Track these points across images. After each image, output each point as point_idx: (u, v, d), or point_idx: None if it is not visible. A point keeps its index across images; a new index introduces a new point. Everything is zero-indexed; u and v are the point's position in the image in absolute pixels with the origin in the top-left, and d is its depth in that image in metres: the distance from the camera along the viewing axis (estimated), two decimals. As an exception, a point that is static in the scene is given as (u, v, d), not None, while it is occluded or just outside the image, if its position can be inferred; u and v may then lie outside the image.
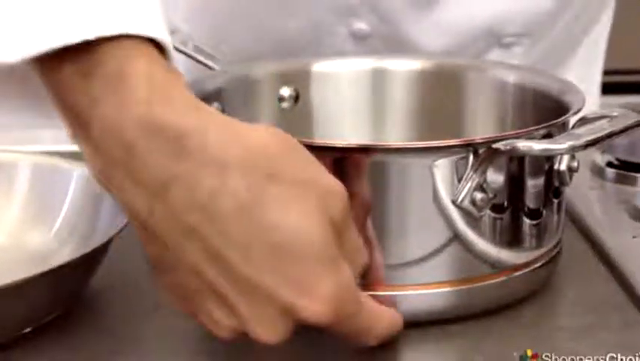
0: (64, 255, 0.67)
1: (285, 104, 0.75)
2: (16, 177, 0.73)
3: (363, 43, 0.89)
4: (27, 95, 0.57)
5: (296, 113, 0.75)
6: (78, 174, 0.71)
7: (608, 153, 0.84)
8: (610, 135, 0.61)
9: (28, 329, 0.61)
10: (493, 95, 0.75)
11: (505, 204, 0.61)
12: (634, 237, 0.73)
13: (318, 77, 0.76)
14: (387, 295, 0.60)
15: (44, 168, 0.73)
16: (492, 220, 0.61)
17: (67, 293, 0.63)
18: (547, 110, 0.67)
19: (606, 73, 1.04)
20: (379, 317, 0.56)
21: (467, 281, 0.61)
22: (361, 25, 0.89)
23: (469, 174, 0.59)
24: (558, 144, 0.59)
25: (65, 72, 0.52)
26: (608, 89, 1.07)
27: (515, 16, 0.90)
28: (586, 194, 0.81)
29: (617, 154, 0.84)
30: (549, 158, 0.63)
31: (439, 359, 0.62)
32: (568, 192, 0.67)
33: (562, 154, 0.63)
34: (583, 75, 0.99)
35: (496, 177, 0.60)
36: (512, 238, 0.63)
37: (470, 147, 0.59)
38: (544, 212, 0.64)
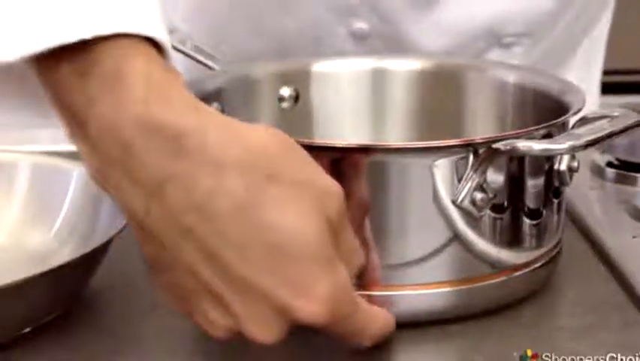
0: (64, 255, 0.67)
1: (285, 104, 0.75)
2: (16, 177, 0.73)
3: (363, 43, 0.89)
4: (25, 94, 0.57)
5: (296, 113, 0.75)
6: (78, 174, 0.71)
7: (608, 153, 0.84)
8: (610, 135, 0.61)
9: (27, 329, 0.61)
10: (493, 95, 0.75)
11: (505, 204, 0.61)
12: (634, 237, 0.73)
13: (318, 77, 0.76)
14: (387, 295, 0.60)
15: (44, 168, 0.73)
16: (492, 220, 0.61)
17: (67, 293, 0.63)
18: (547, 110, 0.67)
19: (606, 73, 1.04)
20: (374, 318, 0.56)
21: (467, 281, 0.61)
22: (361, 25, 0.89)
23: (469, 174, 0.59)
24: (558, 144, 0.59)
25: (62, 71, 0.52)
26: (608, 89, 1.07)
27: (515, 16, 0.90)
28: (586, 194, 0.81)
29: (617, 154, 0.84)
30: (549, 158, 0.63)
31: (439, 359, 0.62)
32: (568, 192, 0.67)
33: (562, 154, 0.63)
34: (583, 75, 0.99)
35: (496, 177, 0.60)
36: (512, 238, 0.63)
37: (470, 146, 0.59)
38: (544, 212, 0.64)
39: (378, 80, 0.77)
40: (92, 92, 0.52)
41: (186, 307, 0.55)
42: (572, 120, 0.64)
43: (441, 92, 0.76)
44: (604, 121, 0.62)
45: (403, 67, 0.77)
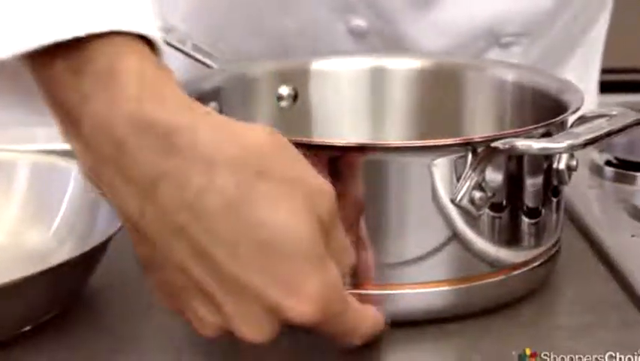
0: (63, 254, 0.67)
1: (283, 103, 0.75)
2: (14, 176, 0.73)
3: (361, 41, 0.89)
4: (19, 92, 0.57)
5: (295, 112, 0.75)
6: (76, 173, 0.71)
7: (607, 151, 0.84)
8: (609, 134, 0.61)
9: (27, 328, 0.61)
10: (492, 94, 0.75)
11: (504, 203, 0.61)
12: (633, 236, 0.73)
13: (317, 76, 0.76)
14: (385, 293, 0.60)
15: (43, 167, 0.73)
16: (491, 219, 0.61)
17: (66, 292, 0.63)
18: (545, 109, 0.67)
19: (604, 72, 1.04)
20: (364, 317, 0.56)
21: (466, 280, 0.61)
22: (359, 22, 0.88)
23: (467, 172, 0.59)
24: (557, 143, 0.59)
25: (56, 69, 0.52)
26: (606, 87, 1.08)
27: (514, 16, 0.90)
28: (585, 193, 0.81)
29: (615, 153, 0.84)
30: (548, 157, 0.63)
31: (438, 358, 0.62)
32: (567, 191, 0.67)
33: (560, 153, 0.63)
34: (581, 74, 0.99)
35: (494, 176, 0.60)
36: (511, 237, 0.63)
37: (469, 145, 0.59)
38: (542, 211, 0.64)
39: (378, 79, 0.77)
40: (85, 90, 0.52)
41: (176, 305, 0.54)
42: (571, 119, 0.64)
43: (440, 91, 0.76)
44: (602, 120, 0.62)
45: (402, 66, 0.77)
